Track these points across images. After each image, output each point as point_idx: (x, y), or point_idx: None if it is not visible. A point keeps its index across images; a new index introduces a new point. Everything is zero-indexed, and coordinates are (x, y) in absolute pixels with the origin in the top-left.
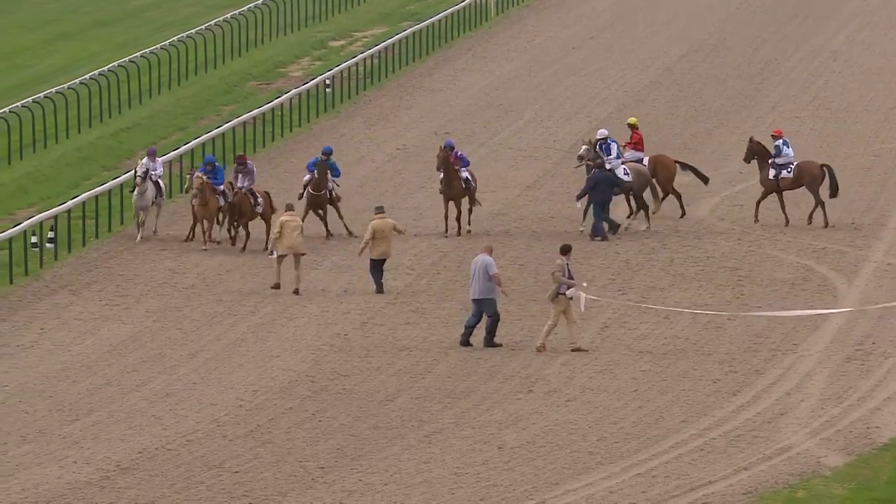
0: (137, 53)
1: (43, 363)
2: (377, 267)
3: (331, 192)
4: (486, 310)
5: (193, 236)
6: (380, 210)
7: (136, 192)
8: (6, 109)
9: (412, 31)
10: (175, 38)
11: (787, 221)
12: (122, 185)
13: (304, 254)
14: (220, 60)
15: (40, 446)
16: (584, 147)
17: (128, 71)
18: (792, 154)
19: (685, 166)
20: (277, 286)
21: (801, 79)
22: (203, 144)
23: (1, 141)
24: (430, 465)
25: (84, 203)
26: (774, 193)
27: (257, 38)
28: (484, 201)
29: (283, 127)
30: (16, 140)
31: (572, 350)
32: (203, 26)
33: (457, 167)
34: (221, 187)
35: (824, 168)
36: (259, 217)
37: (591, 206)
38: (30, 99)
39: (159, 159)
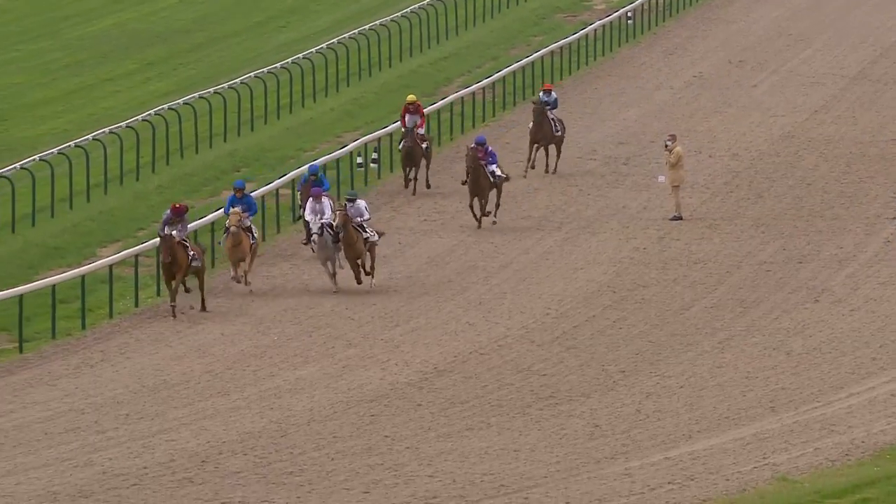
0: None
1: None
2: None
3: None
4: None
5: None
6: None
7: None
8: (335, 40)
9: None
10: None
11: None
12: (451, 103)
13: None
14: None
15: (364, 350)
16: None
17: (445, 4)
18: None
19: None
20: (679, 217)
21: None
22: (514, 73)
23: (330, 69)
24: (722, 369)
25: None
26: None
27: None
28: (774, 125)
29: (587, 56)
30: (343, 69)
31: None
32: None
33: (484, 162)
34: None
35: None
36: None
37: None
38: (356, 30)
39: (327, 201)
